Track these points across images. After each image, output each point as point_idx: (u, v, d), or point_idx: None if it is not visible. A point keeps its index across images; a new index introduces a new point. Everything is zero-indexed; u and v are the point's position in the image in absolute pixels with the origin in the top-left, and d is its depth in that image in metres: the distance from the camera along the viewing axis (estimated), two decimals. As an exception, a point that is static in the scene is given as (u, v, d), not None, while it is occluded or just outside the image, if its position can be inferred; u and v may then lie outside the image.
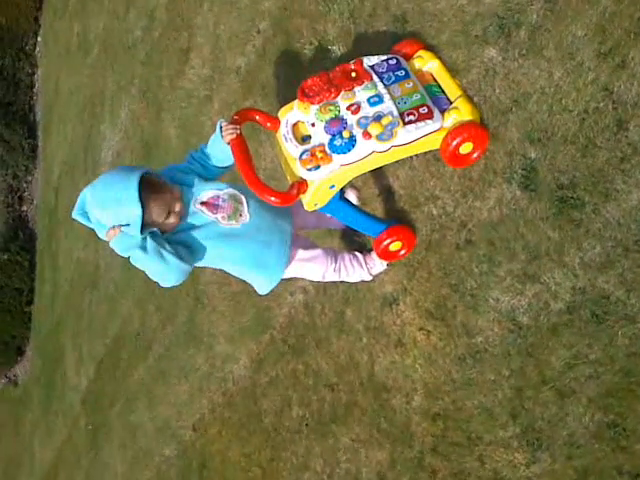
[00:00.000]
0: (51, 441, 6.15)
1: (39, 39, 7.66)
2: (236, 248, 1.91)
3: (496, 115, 1.90)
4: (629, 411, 1.58)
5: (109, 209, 1.71)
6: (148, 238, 1.71)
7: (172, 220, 1.79)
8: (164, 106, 4.09)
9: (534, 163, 1.80)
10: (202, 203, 1.85)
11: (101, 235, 1.79)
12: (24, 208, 7.34)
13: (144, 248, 1.71)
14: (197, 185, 1.89)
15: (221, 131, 1.85)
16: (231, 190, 1.91)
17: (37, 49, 7.71)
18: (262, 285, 2.05)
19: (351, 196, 2.40)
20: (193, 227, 1.84)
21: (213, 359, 3.40)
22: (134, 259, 1.76)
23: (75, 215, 1.79)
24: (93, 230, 1.81)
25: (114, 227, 1.72)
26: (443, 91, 1.94)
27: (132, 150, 4.61)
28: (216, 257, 1.92)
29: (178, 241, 1.81)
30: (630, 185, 1.57)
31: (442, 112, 1.84)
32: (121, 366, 4.55)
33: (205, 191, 1.88)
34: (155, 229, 1.75)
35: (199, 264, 1.92)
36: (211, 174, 1.97)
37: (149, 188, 1.71)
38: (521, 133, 1.83)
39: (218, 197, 1.88)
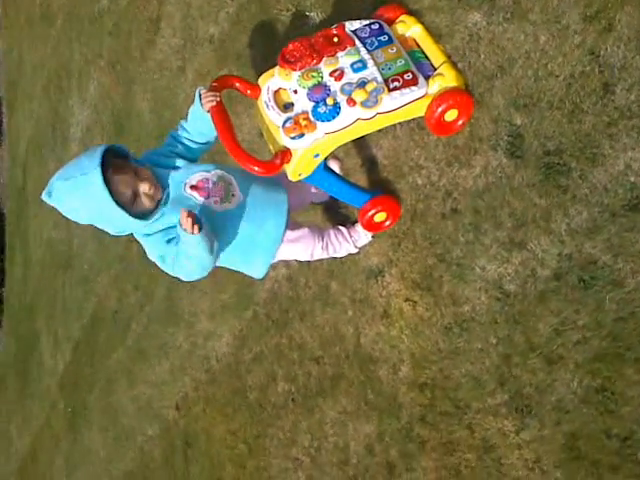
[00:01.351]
0: (28, 426, 6.08)
1: (-2, 10, 7.37)
2: (234, 231, 1.85)
3: (481, 81, 1.87)
4: (617, 375, 1.59)
5: (71, 179, 1.65)
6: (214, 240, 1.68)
7: (144, 203, 1.73)
8: (135, 78, 3.97)
9: (520, 129, 1.78)
10: (192, 187, 1.80)
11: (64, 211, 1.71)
12: (-10, 188, 7.13)
13: (212, 250, 1.70)
14: (184, 168, 1.84)
15: (200, 99, 1.79)
16: (219, 171, 1.85)
17: (-3, 21, 7.42)
18: (259, 267, 2.00)
19: (334, 167, 2.35)
20: None
21: (194, 337, 3.36)
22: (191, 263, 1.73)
23: (43, 195, 1.72)
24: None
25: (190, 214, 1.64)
26: (427, 57, 1.90)
27: (103, 125, 4.49)
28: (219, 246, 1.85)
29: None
30: (617, 150, 1.56)
31: (426, 78, 1.80)
32: (99, 347, 4.48)
33: (193, 174, 1.82)
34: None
35: None
36: (194, 152, 1.92)
37: (111, 167, 1.65)
38: (506, 99, 1.80)
39: (207, 180, 1.82)
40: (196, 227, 1.62)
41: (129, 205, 1.69)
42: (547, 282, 1.74)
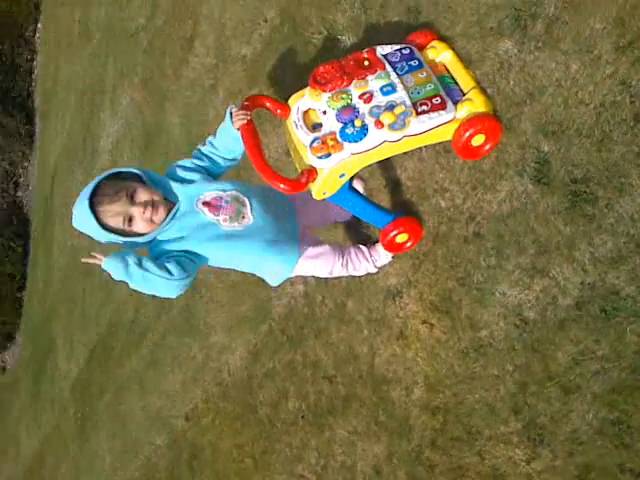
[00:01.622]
0: (38, 429, 6.10)
1: (39, 25, 7.60)
2: (239, 248, 1.88)
3: (510, 107, 1.88)
4: (635, 408, 1.56)
5: (76, 208, 1.76)
6: (133, 265, 1.70)
7: (139, 226, 1.76)
8: (167, 95, 4.06)
9: (547, 156, 1.78)
10: (204, 203, 1.84)
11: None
12: (19, 194, 7.28)
13: (130, 275, 1.71)
14: (200, 183, 1.88)
15: (231, 117, 1.84)
16: (234, 192, 1.88)
17: (37, 35, 7.65)
18: (271, 279, 2.05)
19: (358, 187, 2.37)
20: (193, 229, 1.82)
21: (209, 349, 3.37)
22: (130, 286, 1.77)
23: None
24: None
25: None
26: (456, 82, 1.92)
27: (132, 138, 4.58)
28: (221, 258, 1.91)
29: (178, 248, 1.80)
30: (645, 180, 1.56)
31: (455, 103, 1.83)
32: (113, 354, 4.51)
33: (208, 191, 1.86)
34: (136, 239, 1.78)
35: (209, 264, 1.91)
36: (219, 168, 1.96)
37: (99, 200, 1.73)
38: (535, 126, 1.81)
39: (221, 198, 1.86)
40: (97, 259, 1.73)
41: (124, 229, 1.75)
42: (568, 310, 1.72)
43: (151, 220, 1.77)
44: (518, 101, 1.86)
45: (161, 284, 1.74)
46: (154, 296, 1.83)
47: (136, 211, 1.74)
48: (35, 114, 7.36)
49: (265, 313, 2.93)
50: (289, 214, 2.01)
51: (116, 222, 1.74)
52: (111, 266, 1.72)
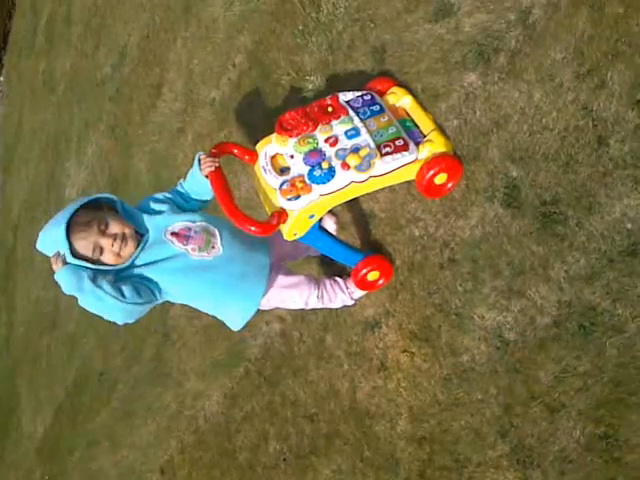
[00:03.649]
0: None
1: (1, 78, 7.60)
2: (205, 281, 1.87)
3: (477, 137, 1.95)
4: (621, 421, 1.57)
5: (47, 231, 1.75)
6: (86, 279, 1.66)
7: (107, 258, 1.75)
8: (134, 141, 4.06)
9: (516, 181, 1.84)
10: (173, 234, 1.83)
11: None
12: (-21, 249, 7.06)
13: (82, 289, 1.67)
14: (169, 214, 1.88)
15: (199, 164, 1.87)
16: (204, 223, 1.89)
17: (-1, 88, 7.65)
18: (235, 319, 1.98)
19: (329, 222, 2.40)
20: (161, 259, 1.81)
21: (183, 397, 3.27)
22: (79, 301, 1.72)
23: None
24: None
25: (58, 255, 1.70)
26: (416, 125, 1.99)
27: (98, 187, 4.53)
28: (184, 291, 1.88)
29: (140, 275, 1.79)
30: (612, 198, 1.62)
31: (417, 144, 1.89)
32: (82, 410, 4.32)
33: (177, 222, 1.86)
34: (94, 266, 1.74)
35: (169, 299, 1.88)
36: (192, 207, 1.98)
37: (76, 225, 1.72)
38: (502, 153, 1.88)
39: (190, 229, 1.86)
40: (59, 263, 1.68)
41: (93, 258, 1.73)
42: (547, 329, 1.75)
43: (119, 254, 1.76)
44: (485, 130, 1.93)
45: (111, 305, 1.68)
46: (101, 318, 1.75)
47: (105, 243, 1.74)
48: (-4, 167, 7.25)
49: (240, 355, 2.88)
50: (261, 246, 2.00)
51: (86, 250, 1.73)
52: (64, 277, 1.68)
